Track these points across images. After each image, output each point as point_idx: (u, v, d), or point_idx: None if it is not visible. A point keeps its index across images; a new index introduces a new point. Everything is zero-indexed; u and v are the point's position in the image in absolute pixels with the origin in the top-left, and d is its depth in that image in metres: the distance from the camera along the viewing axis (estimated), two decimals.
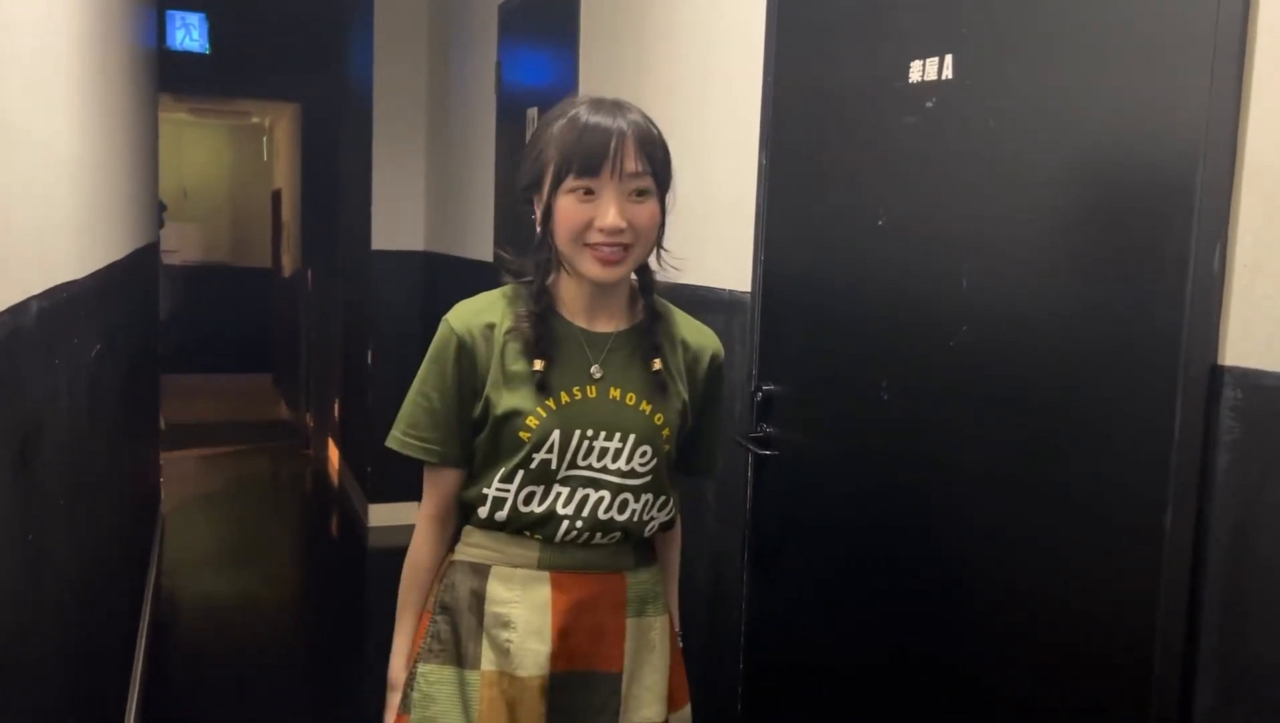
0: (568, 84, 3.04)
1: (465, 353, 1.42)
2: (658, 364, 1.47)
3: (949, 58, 1.54)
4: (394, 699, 1.52)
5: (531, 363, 1.41)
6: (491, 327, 1.43)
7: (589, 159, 1.34)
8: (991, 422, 1.48)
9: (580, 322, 1.46)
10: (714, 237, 2.22)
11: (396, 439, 1.47)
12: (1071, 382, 1.35)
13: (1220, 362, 1.17)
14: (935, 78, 1.56)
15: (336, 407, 6.22)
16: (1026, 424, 1.42)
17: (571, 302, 1.46)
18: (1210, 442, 1.17)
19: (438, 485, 1.50)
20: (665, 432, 1.46)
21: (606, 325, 1.47)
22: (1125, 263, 1.29)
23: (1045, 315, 1.40)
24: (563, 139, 1.37)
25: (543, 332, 1.42)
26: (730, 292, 2.15)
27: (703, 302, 2.21)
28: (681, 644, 1.60)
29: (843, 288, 1.82)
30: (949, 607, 1.57)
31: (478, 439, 1.45)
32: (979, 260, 1.50)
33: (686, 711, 1.59)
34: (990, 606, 1.50)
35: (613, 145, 1.34)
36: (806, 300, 1.93)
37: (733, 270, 2.13)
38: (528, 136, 1.51)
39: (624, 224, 1.35)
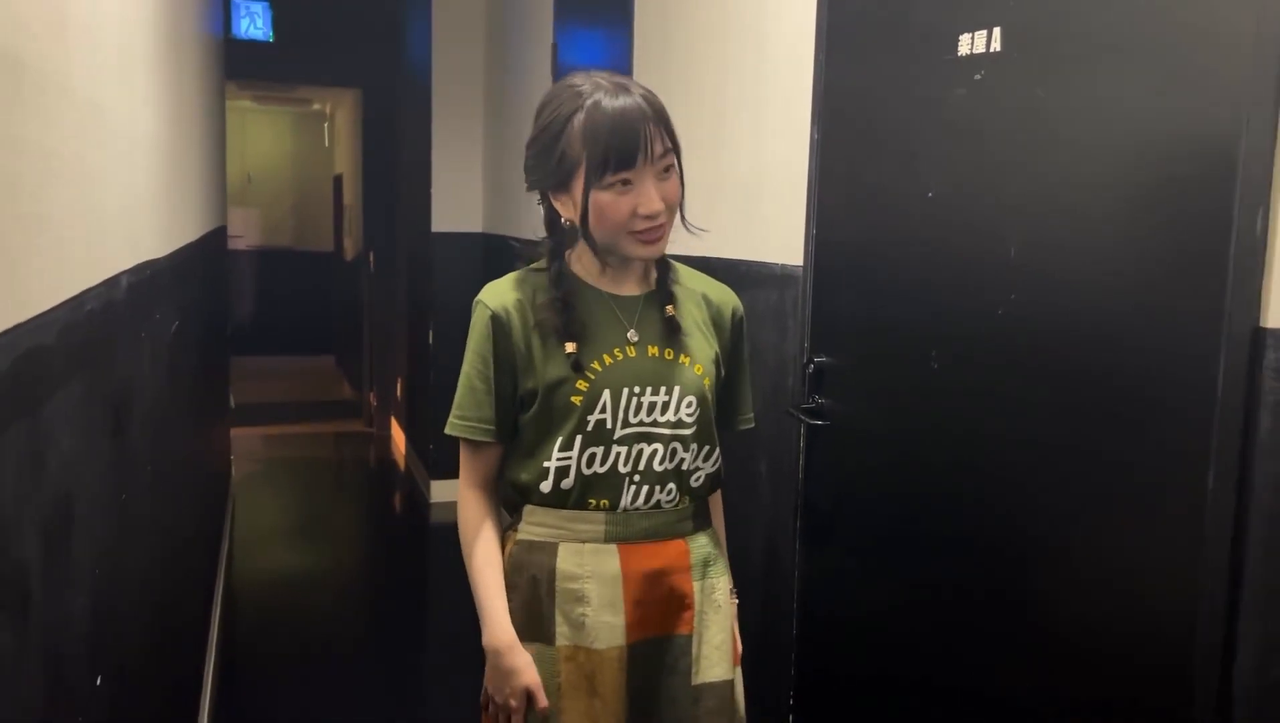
0: (623, 64, 3.09)
1: (500, 327, 1.48)
2: (670, 310, 1.52)
3: (997, 30, 1.56)
4: (520, 661, 1.47)
5: (564, 346, 1.46)
6: (521, 301, 1.49)
7: (625, 153, 1.37)
8: (1038, 387, 1.51)
9: (608, 288, 1.52)
10: (767, 212, 2.26)
11: (452, 424, 1.53)
12: (1116, 346, 1.38)
13: (1263, 324, 1.19)
14: (984, 50, 1.59)
15: (399, 386, 6.36)
16: (1072, 389, 1.45)
17: (597, 271, 1.52)
18: (1252, 403, 1.20)
19: (482, 460, 1.55)
20: (707, 382, 1.52)
21: (634, 289, 1.54)
22: (1169, 229, 1.31)
23: (1090, 282, 1.42)
24: (591, 135, 1.37)
25: (570, 314, 1.47)
26: (782, 266, 2.19)
27: (756, 276, 2.25)
28: (737, 600, 1.64)
29: (893, 260, 1.86)
30: (999, 572, 1.61)
31: (526, 416, 1.49)
32: (1026, 229, 1.53)
33: (738, 671, 1.63)
34: (1040, 569, 1.53)
35: (643, 134, 1.37)
36: (857, 273, 1.97)
37: (785, 245, 2.17)
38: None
39: (663, 205, 1.42)
